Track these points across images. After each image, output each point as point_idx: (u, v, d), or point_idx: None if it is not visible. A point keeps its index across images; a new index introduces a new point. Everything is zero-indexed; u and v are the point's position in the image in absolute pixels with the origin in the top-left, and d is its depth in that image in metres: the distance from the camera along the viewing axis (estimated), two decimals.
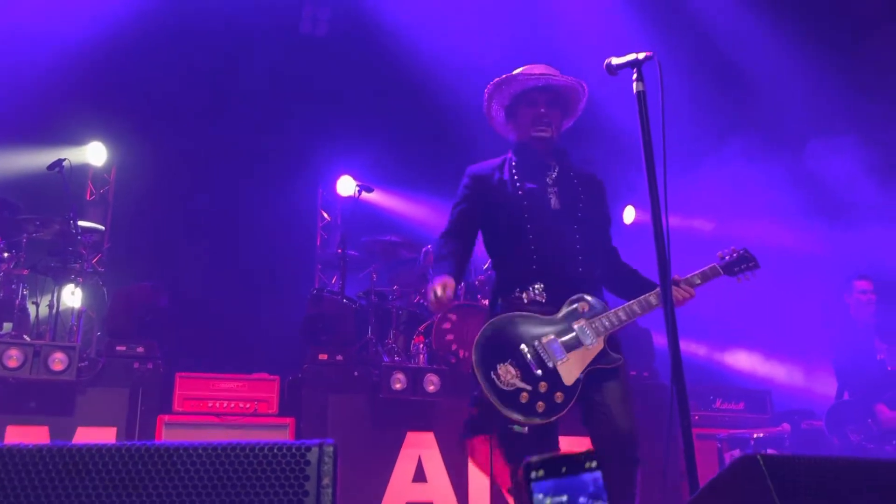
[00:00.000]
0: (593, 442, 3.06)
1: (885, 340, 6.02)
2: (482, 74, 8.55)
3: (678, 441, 2.55)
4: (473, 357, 3.02)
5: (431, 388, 5.85)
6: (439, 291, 3.10)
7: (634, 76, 2.79)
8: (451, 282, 3.17)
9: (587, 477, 1.30)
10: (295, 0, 9.01)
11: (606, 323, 3.11)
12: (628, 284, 3.40)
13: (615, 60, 2.92)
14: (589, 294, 3.19)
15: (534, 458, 1.33)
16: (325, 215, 9.77)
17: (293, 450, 1.66)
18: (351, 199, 8.14)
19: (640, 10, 8.17)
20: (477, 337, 3.06)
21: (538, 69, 3.41)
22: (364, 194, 7.57)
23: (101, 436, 5.27)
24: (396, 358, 6.66)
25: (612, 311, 3.14)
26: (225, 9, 8.24)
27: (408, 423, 5.73)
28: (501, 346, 3.05)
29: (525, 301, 3.18)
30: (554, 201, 3.31)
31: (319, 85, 9.19)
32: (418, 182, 9.23)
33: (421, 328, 7.07)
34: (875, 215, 7.49)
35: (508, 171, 3.40)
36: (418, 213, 9.34)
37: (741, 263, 3.30)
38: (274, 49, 8.81)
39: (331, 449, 1.67)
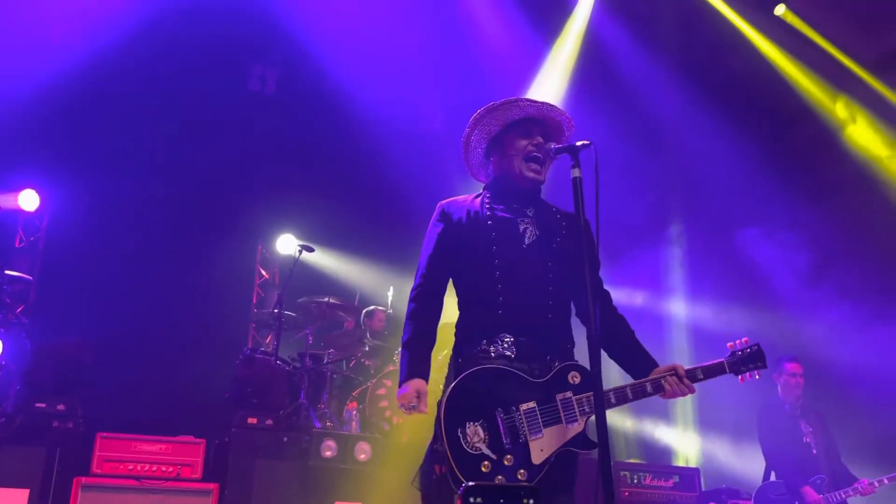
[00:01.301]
0: None
1: (809, 423, 6.17)
2: (426, 139, 8.78)
3: None
4: (443, 407, 2.75)
5: (362, 457, 5.76)
6: (417, 405, 2.91)
7: (572, 163, 2.82)
8: (424, 388, 2.94)
9: None
10: (244, 58, 9.08)
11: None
12: (619, 346, 3.15)
13: (554, 146, 3.01)
14: (563, 349, 3.01)
15: (472, 484, 1.31)
16: (263, 273, 9.66)
17: None
18: (290, 258, 8.09)
19: (588, 98, 8.50)
20: (453, 384, 2.81)
21: (538, 100, 3.18)
22: (304, 254, 7.53)
23: (12, 498, 5.03)
24: (328, 424, 6.55)
25: (603, 391, 2.74)
26: (171, 60, 8.24)
27: (336, 492, 5.60)
28: (476, 403, 2.77)
29: (493, 356, 2.90)
30: (529, 235, 3.07)
31: (267, 141, 9.20)
32: (360, 244, 9.23)
33: (355, 393, 7.00)
34: (798, 300, 7.79)
35: (481, 203, 3.16)
36: (358, 275, 9.31)
37: (750, 363, 3.03)
38: (220, 103, 8.80)
39: None
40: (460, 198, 3.25)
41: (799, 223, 8.06)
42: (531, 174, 3.12)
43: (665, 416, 8.43)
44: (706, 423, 8.33)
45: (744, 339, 3.08)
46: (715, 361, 3.06)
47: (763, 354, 3.05)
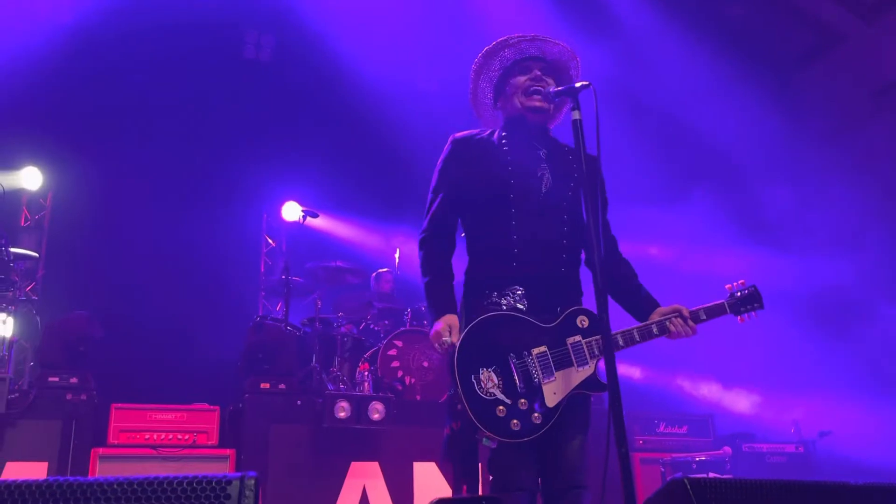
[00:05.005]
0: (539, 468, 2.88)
1: None
2: (425, 100, 8.67)
3: (617, 467, 2.50)
4: (456, 355, 2.75)
5: (376, 417, 5.78)
6: (448, 337, 2.83)
7: (572, 105, 2.78)
8: (455, 322, 2.92)
9: None
10: (238, 25, 8.97)
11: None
12: (623, 289, 3.17)
13: (553, 89, 2.98)
14: (574, 300, 3.01)
15: (438, 499, 1.37)
16: (270, 241, 9.67)
17: (213, 483, 1.62)
18: (296, 225, 8.06)
19: (588, 47, 8.34)
20: (464, 333, 2.81)
21: (530, 34, 3.13)
22: (309, 220, 7.51)
23: (31, 471, 5.08)
24: (341, 386, 6.57)
25: (611, 334, 2.78)
26: (167, 30, 8.14)
27: (352, 452, 5.64)
28: (488, 350, 2.79)
29: (504, 308, 2.90)
30: (545, 182, 3.03)
31: (265, 109, 9.14)
32: (364, 207, 9.21)
33: (366, 355, 7.02)
34: (811, 245, 7.74)
35: (498, 141, 3.11)
36: (364, 238, 9.30)
37: (748, 303, 3.11)
38: (217, 72, 8.73)
39: (252, 482, 1.63)
40: (476, 132, 3.20)
41: (814, 171, 7.95)
42: (535, 104, 3.07)
43: (679, 363, 8.42)
44: (719, 369, 8.32)
45: (741, 281, 3.15)
46: (716, 302, 3.13)
47: (760, 296, 3.12)
